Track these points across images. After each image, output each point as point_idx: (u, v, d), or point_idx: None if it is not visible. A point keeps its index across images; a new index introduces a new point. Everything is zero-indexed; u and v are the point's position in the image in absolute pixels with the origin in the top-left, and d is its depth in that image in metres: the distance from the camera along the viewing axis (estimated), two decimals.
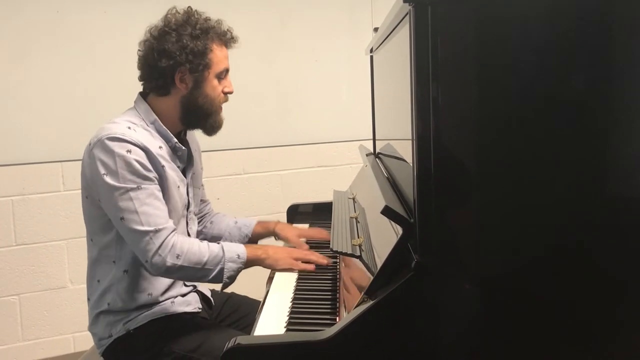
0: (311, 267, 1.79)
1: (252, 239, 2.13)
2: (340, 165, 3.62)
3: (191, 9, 1.77)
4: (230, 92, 1.82)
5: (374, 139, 2.38)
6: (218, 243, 1.73)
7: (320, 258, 1.83)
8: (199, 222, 2.12)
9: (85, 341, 2.84)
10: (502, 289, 1.20)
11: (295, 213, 2.43)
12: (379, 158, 2.15)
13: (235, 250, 1.72)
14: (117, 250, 1.71)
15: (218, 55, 1.75)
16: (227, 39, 1.80)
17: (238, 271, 1.72)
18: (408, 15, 1.15)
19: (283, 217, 2.40)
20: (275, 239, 2.17)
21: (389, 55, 1.68)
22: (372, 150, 2.40)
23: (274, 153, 3.49)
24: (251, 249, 1.76)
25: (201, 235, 2.11)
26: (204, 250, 1.67)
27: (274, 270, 1.81)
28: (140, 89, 1.81)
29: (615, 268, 1.19)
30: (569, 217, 1.17)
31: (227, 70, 1.80)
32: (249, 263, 1.74)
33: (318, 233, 2.15)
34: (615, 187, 1.19)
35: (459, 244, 1.18)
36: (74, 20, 3.01)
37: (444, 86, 1.13)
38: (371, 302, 1.17)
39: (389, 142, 1.79)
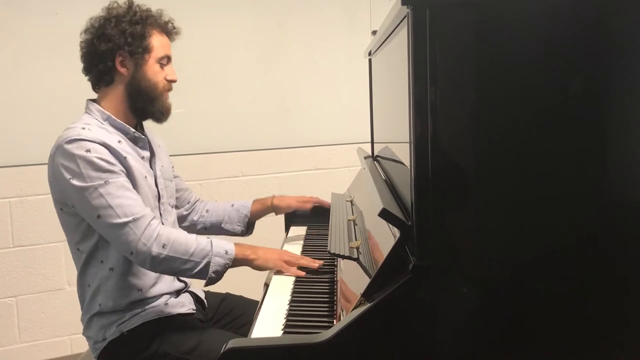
0: (301, 273, 1.78)
1: (251, 219, 2.14)
2: (338, 168, 3.62)
3: (132, 2, 1.80)
4: (174, 81, 1.82)
5: (372, 142, 2.38)
6: (207, 237, 1.72)
7: (311, 262, 1.81)
8: (191, 212, 2.11)
9: (82, 343, 2.83)
10: (500, 292, 1.20)
11: (293, 215, 2.42)
12: (377, 161, 2.15)
13: (224, 246, 1.71)
14: (104, 250, 1.71)
15: (158, 41, 1.77)
16: (168, 29, 1.82)
17: (225, 267, 1.69)
18: (406, 18, 1.15)
19: (281, 219, 2.40)
20: (276, 213, 2.17)
21: (387, 58, 1.68)
22: (370, 153, 2.40)
23: (272, 155, 3.50)
24: (240, 248, 1.74)
25: (199, 225, 2.11)
26: (190, 241, 1.66)
27: (262, 270, 1.81)
28: None
29: (615, 269, 1.19)
30: (567, 219, 1.17)
31: (168, 58, 1.81)
32: (237, 262, 1.73)
33: (318, 199, 2.23)
34: (614, 189, 1.19)
35: (456, 247, 1.18)
36: (73, 22, 2.98)
37: (442, 89, 1.13)
38: (368, 305, 1.17)
39: (387, 145, 1.79)
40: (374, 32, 2.01)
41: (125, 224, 1.60)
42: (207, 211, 2.13)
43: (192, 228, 2.08)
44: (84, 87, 3.00)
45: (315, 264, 1.81)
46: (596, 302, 1.19)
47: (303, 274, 1.78)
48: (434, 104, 1.13)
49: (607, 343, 1.21)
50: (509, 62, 1.15)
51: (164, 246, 1.62)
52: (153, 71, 1.76)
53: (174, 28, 1.84)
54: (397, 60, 1.39)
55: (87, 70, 1.81)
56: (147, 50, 1.74)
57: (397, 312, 1.16)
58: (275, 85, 3.48)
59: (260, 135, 3.46)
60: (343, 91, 3.60)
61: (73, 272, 3.06)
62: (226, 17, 3.26)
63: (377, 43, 1.87)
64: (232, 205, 2.14)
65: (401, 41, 1.28)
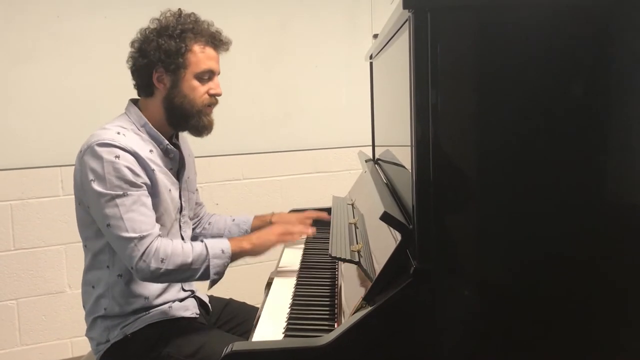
0: (296, 236, 1.83)
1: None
2: (339, 171, 3.62)
3: (182, 11, 1.77)
4: (218, 95, 1.79)
5: (373, 145, 2.38)
6: (201, 241, 1.72)
7: (305, 228, 1.85)
8: (196, 226, 2.12)
9: (83, 346, 2.84)
10: (501, 295, 1.20)
11: None
12: (378, 164, 2.15)
13: (219, 245, 1.71)
14: (111, 255, 1.71)
15: (198, 55, 1.73)
16: (214, 41, 1.78)
17: (224, 266, 1.71)
18: (408, 22, 1.15)
19: None
20: None
21: (388, 61, 1.68)
22: (371, 157, 2.40)
23: (273, 158, 3.50)
24: (235, 242, 1.75)
25: (201, 237, 2.11)
26: (187, 251, 1.67)
27: (264, 253, 1.80)
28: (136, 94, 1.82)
29: (616, 272, 1.19)
30: (568, 222, 1.17)
31: (211, 72, 1.77)
32: (235, 256, 1.73)
33: (315, 213, 2.20)
34: (616, 192, 1.19)
35: (457, 250, 1.18)
36: (74, 25, 3.02)
37: (443, 92, 1.13)
38: (370, 308, 1.17)
39: (388, 148, 1.79)
40: (375, 36, 2.01)
41: (131, 239, 1.61)
42: (209, 224, 2.14)
43: (193, 240, 2.08)
44: (86, 90, 3.02)
45: (310, 230, 1.86)
46: (597, 305, 1.19)
47: (297, 237, 1.84)
48: (435, 107, 1.13)
49: (608, 345, 1.21)
50: (510, 65, 1.15)
51: (162, 260, 1.63)
52: (190, 87, 1.73)
53: (222, 39, 1.80)
54: (398, 64, 1.39)
55: (132, 79, 1.79)
56: (182, 66, 1.71)
57: (399, 316, 1.16)
58: (276, 89, 3.48)
59: (261, 139, 3.46)
60: (344, 94, 3.61)
61: (74, 275, 3.10)
62: (228, 20, 3.26)
63: (379, 46, 1.87)
64: (234, 220, 2.14)
65: (402, 44, 1.28)
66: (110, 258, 1.72)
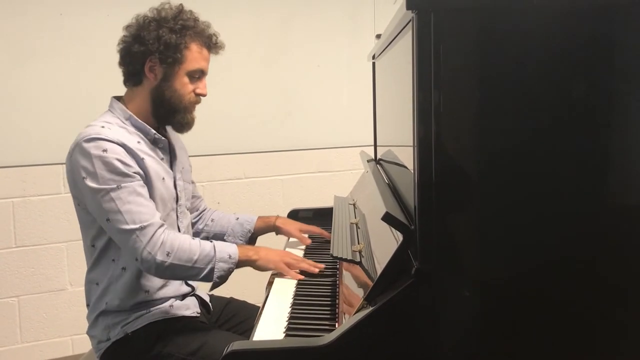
0: (300, 276, 1.78)
1: (254, 234, 2.14)
2: (341, 171, 3.62)
3: (183, 7, 1.79)
4: (203, 95, 1.81)
5: (375, 145, 2.38)
6: (211, 241, 1.72)
7: (312, 266, 1.81)
8: (198, 221, 2.12)
9: (84, 344, 2.84)
10: (502, 296, 1.20)
11: (296, 218, 2.42)
12: (380, 164, 2.15)
13: (227, 250, 1.72)
14: (117, 248, 1.71)
15: (195, 54, 1.75)
16: (210, 43, 1.80)
17: (229, 271, 1.71)
18: (411, 22, 1.15)
19: None
20: (276, 233, 2.18)
21: (391, 61, 1.68)
22: (373, 157, 2.40)
23: (275, 158, 3.50)
24: (243, 250, 1.76)
25: (203, 233, 2.12)
26: (194, 248, 1.67)
27: (264, 271, 1.81)
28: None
29: (615, 273, 1.19)
30: (569, 223, 1.17)
31: (202, 72, 1.79)
32: (241, 264, 1.74)
33: (318, 229, 2.19)
34: (616, 194, 1.19)
35: (459, 251, 1.18)
36: (77, 22, 3.02)
37: (445, 93, 1.13)
38: (371, 308, 1.17)
39: (390, 148, 1.79)
40: (378, 36, 2.01)
41: (133, 230, 1.61)
42: (212, 220, 2.14)
43: (195, 235, 2.09)
44: (87, 88, 3.02)
45: (316, 268, 1.81)
46: (598, 305, 1.19)
47: (302, 277, 1.78)
48: (438, 108, 1.13)
49: (609, 346, 1.21)
50: (513, 66, 1.15)
51: (168, 254, 1.63)
52: (181, 83, 1.75)
53: (217, 43, 1.82)
54: (401, 64, 1.39)
55: (120, 65, 1.80)
56: (178, 61, 1.73)
57: (400, 316, 1.16)
58: (278, 88, 3.48)
59: (263, 138, 3.46)
60: (346, 94, 3.61)
61: (75, 273, 3.10)
62: (230, 19, 3.27)
63: (382, 47, 1.87)
64: (237, 218, 2.14)
65: (405, 45, 1.28)
66: (116, 251, 1.72)
